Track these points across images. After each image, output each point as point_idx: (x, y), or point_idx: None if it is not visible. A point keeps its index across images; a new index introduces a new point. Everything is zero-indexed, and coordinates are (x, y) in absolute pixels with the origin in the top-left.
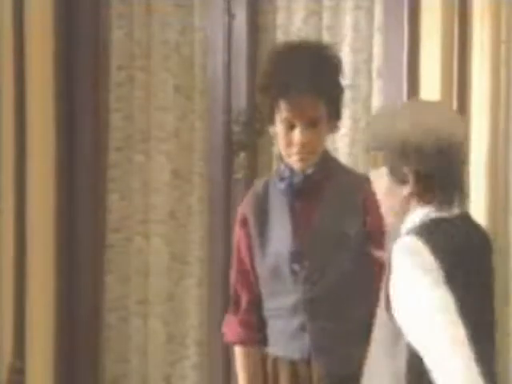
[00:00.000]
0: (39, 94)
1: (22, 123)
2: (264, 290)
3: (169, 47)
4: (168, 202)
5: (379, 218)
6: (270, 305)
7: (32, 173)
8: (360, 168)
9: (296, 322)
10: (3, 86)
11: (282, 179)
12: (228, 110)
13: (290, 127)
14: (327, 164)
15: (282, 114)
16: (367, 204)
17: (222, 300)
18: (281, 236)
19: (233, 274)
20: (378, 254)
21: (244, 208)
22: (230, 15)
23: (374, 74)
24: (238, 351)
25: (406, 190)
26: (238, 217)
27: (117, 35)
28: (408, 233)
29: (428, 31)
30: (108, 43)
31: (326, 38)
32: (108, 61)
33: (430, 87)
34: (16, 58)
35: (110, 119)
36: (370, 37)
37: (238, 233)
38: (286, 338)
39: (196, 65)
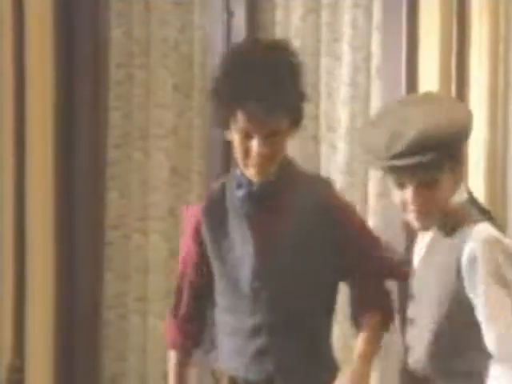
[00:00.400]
0: (39, 91)
1: (21, 121)
2: (221, 303)
3: (168, 45)
4: (167, 199)
5: (359, 222)
6: (225, 319)
7: (31, 170)
8: (358, 167)
9: (256, 343)
10: (3, 84)
11: (239, 186)
12: None
13: (247, 136)
14: (287, 169)
15: (238, 124)
16: (337, 213)
17: None
18: (241, 253)
19: (178, 276)
20: (387, 254)
21: (198, 213)
22: (229, 13)
23: (373, 72)
24: (172, 355)
25: (456, 173)
26: (192, 223)
27: (116, 33)
28: (473, 219)
29: (426, 29)
30: (107, 41)
31: (325, 35)
32: (107, 59)
33: (429, 85)
34: (15, 56)
35: (109, 117)
36: (369, 35)
37: (187, 240)
38: (245, 360)
39: (195, 63)
